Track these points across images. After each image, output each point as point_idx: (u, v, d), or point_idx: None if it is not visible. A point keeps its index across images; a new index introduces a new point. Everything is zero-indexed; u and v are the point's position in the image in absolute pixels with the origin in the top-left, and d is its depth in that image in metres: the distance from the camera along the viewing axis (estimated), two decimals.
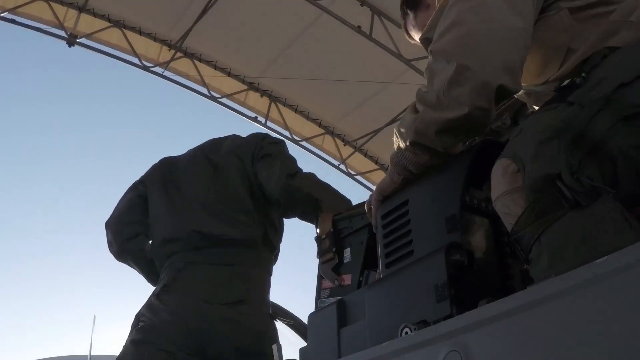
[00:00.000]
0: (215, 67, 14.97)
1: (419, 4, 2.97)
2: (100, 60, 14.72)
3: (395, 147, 2.40)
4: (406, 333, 1.98)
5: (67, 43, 13.90)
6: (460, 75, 2.07)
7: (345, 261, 2.89)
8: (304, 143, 16.16)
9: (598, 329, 1.33)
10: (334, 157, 16.47)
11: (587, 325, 1.35)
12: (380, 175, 14.25)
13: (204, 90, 15.27)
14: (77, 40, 13.96)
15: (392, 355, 1.84)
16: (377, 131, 15.31)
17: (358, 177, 16.63)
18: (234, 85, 15.31)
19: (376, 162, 16.40)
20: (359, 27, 12.98)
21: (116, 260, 4.38)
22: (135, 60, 14.60)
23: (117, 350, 3.85)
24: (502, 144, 2.29)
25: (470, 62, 2.06)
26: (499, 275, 2.33)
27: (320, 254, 2.96)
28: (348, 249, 2.90)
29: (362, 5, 12.91)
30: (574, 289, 1.40)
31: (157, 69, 14.87)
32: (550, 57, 2.25)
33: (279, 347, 2.90)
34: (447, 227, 2.12)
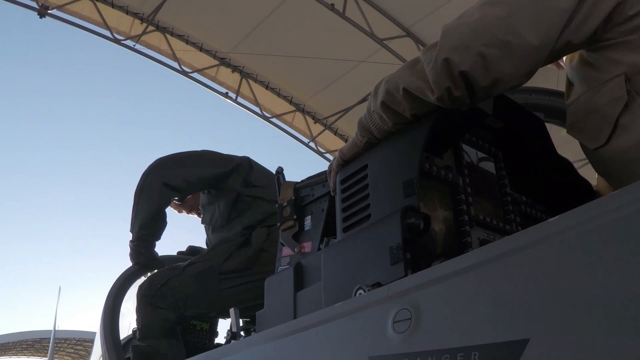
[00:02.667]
0: (187, 42, 14.90)
1: None
2: (72, 33, 14.61)
3: (366, 108, 2.39)
4: (360, 294, 1.99)
5: (38, 14, 13.74)
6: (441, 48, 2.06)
7: (305, 229, 2.91)
8: (274, 120, 16.16)
9: (545, 286, 1.34)
10: (304, 135, 16.49)
11: (534, 283, 1.37)
12: None
13: (175, 65, 15.21)
14: (48, 11, 13.81)
15: (345, 315, 1.85)
16: (347, 109, 15.34)
17: (327, 155, 16.65)
18: (205, 60, 15.25)
19: (345, 141, 16.33)
20: (333, 5, 12.95)
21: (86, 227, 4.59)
22: (107, 33, 14.48)
23: (84, 325, 3.91)
24: (462, 112, 2.30)
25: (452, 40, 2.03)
26: (457, 243, 2.35)
27: (281, 221, 2.97)
28: (309, 217, 2.92)
29: None
30: (523, 248, 1.42)
31: (129, 42, 14.76)
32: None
33: (237, 311, 2.90)
34: (405, 191, 2.13)
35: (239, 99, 15.72)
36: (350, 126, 15.98)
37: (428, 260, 2.06)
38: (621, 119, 2.01)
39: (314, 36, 13.82)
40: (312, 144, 16.53)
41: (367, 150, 2.40)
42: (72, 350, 46.67)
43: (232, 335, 2.86)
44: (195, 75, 15.47)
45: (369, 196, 2.28)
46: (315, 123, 16.31)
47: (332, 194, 2.55)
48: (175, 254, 5.15)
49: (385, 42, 13.39)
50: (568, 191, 2.72)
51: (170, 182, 4.52)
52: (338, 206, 2.41)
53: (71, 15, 14.22)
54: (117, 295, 4.56)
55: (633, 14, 1.98)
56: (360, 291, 2.00)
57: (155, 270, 4.63)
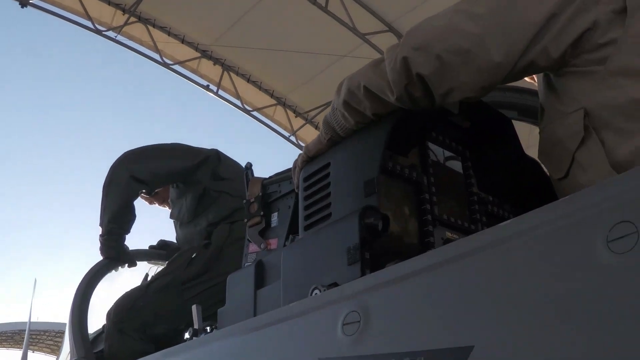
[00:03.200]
0: (169, 34, 14.85)
1: None
2: (53, 23, 14.54)
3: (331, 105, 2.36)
4: (316, 294, 1.97)
5: (19, 3, 13.65)
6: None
7: (272, 225, 2.89)
8: (255, 113, 16.14)
9: (491, 293, 1.32)
10: (285, 129, 16.48)
11: (481, 289, 1.35)
12: None
13: (157, 57, 15.17)
14: (30, 1, 13.72)
15: (298, 315, 1.83)
16: (328, 104, 15.21)
17: None
18: (187, 52, 15.21)
19: None
20: None
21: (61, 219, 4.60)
22: (89, 24, 14.41)
23: (59, 317, 3.91)
24: (427, 111, 2.28)
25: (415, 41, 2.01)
26: (419, 242, 2.33)
27: (248, 217, 2.95)
28: (276, 214, 2.90)
29: None
30: (471, 253, 1.40)
31: (110, 34, 14.71)
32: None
33: (199, 308, 2.87)
34: (365, 190, 2.11)
35: (220, 92, 15.71)
36: None
37: (386, 260, 2.05)
38: (577, 154, 1.95)
39: (296, 30, 13.81)
40: (292, 138, 16.53)
41: (330, 148, 2.38)
42: (51, 342, 46.49)
43: (194, 332, 2.83)
44: (176, 67, 15.44)
45: (330, 195, 2.26)
46: (296, 117, 16.31)
47: (295, 190, 2.52)
48: (147, 247, 5.12)
49: (367, 37, 13.40)
50: (535, 191, 2.71)
51: (137, 175, 4.50)
52: (300, 204, 2.39)
53: (53, 5, 14.13)
54: (86, 289, 4.52)
55: (603, 43, 1.89)
56: (317, 291, 1.98)
57: (125, 265, 4.63)
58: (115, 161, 4.61)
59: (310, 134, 16.57)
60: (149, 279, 4.76)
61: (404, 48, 1.99)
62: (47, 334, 44.65)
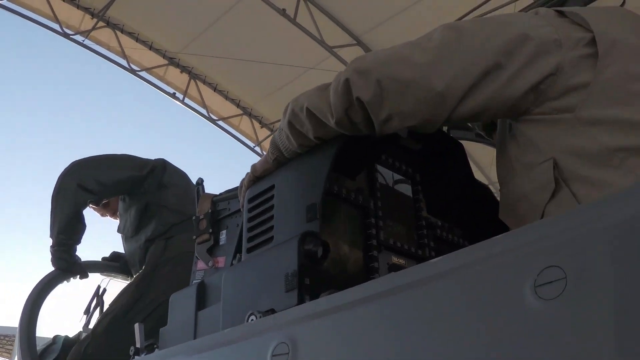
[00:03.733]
0: (137, 40, 14.76)
1: None
2: (20, 24, 14.41)
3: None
4: (252, 320, 1.94)
5: None
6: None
7: (220, 243, 2.85)
8: (220, 122, 16.09)
9: (424, 329, 1.29)
10: (250, 139, 16.43)
11: (414, 325, 1.32)
12: None
13: (124, 62, 15.07)
14: None
15: (229, 342, 1.79)
16: None
17: None
18: (154, 59, 15.13)
19: None
20: (284, 10, 12.90)
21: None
22: (57, 27, 14.29)
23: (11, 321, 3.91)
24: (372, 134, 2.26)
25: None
26: (363, 268, 2.30)
27: (196, 234, 2.91)
28: (224, 231, 2.86)
29: None
30: (403, 288, 1.37)
31: (78, 37, 14.59)
32: None
33: (141, 327, 2.83)
34: (307, 215, 2.08)
35: (187, 100, 15.63)
36: None
37: (327, 287, 2.02)
38: (548, 208, 1.80)
39: (264, 40, 13.78)
40: (257, 149, 16.48)
41: (277, 169, 2.34)
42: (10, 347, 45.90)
43: (136, 351, 2.78)
44: (143, 74, 15.34)
45: (274, 218, 2.23)
46: (261, 127, 16.26)
47: (241, 210, 2.49)
48: (100, 259, 5.06)
49: (335, 49, 13.38)
50: (485, 217, 2.69)
51: (84, 184, 4.45)
52: (244, 225, 2.36)
53: (21, 7, 14.00)
54: (35, 302, 4.45)
55: (570, 88, 1.77)
56: (252, 317, 1.94)
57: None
58: (63, 171, 4.56)
59: None
60: (100, 290, 4.71)
61: (348, 71, 1.94)
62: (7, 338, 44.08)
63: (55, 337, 4.44)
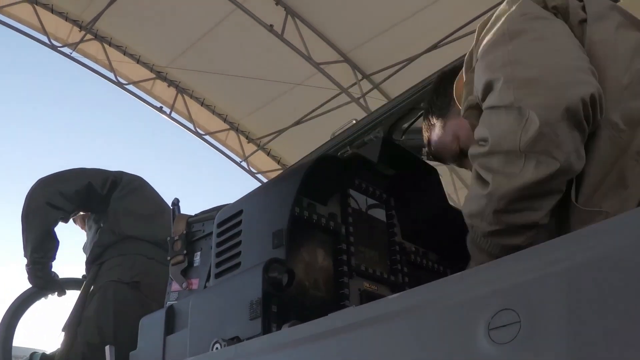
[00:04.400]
0: (125, 53, 14.69)
1: (449, 111, 2.37)
2: (8, 36, 14.35)
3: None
4: (217, 349, 1.91)
5: None
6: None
7: (195, 265, 2.82)
8: (207, 137, 16.01)
9: None
10: (237, 154, 16.37)
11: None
12: None
13: (111, 76, 14.99)
14: None
15: None
16: (281, 131, 15.27)
17: (259, 176, 16.54)
18: (141, 72, 15.07)
19: (278, 162, 16.37)
20: (272, 26, 12.88)
21: None
22: (44, 39, 14.23)
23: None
24: (342, 159, 2.24)
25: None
26: (333, 294, 2.28)
27: (171, 255, 2.88)
28: (198, 253, 2.83)
29: (276, 4, 12.82)
30: (360, 324, 1.35)
31: (66, 50, 14.52)
32: None
33: (112, 349, 2.79)
34: (274, 242, 2.06)
35: (173, 114, 15.56)
36: (283, 148, 15.98)
37: (292, 315, 2.00)
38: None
39: (252, 56, 13.76)
40: (244, 164, 16.42)
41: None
42: None
43: None
44: (130, 87, 15.29)
45: (241, 243, 2.21)
46: (248, 143, 16.20)
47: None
48: (80, 277, 5.01)
49: (322, 66, 13.37)
50: (460, 242, 2.67)
51: (52, 201, 4.41)
52: (213, 250, 2.33)
53: (8, 18, 13.96)
54: (12, 318, 4.41)
55: None
56: (217, 345, 1.92)
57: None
58: (30, 189, 4.52)
59: (262, 161, 16.51)
60: None
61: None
62: None
63: (32, 355, 4.39)
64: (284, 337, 1.54)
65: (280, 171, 15.83)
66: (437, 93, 2.40)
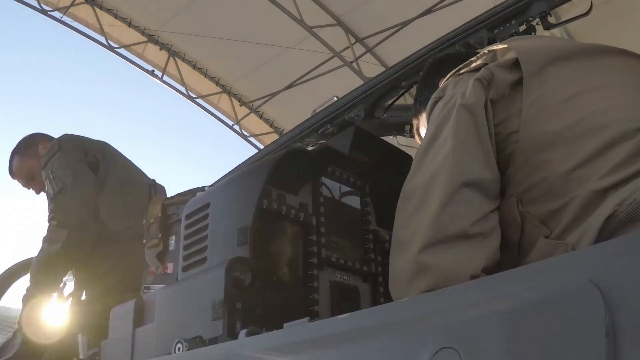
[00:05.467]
0: (116, 16, 14.56)
1: None
2: None
3: None
4: (179, 349, 1.88)
5: None
6: None
7: (170, 249, 2.79)
8: (199, 100, 15.94)
9: None
10: (229, 117, 16.32)
11: None
12: (273, 139, 14.35)
13: (102, 39, 14.87)
14: None
15: None
16: (274, 94, 15.22)
17: (251, 139, 16.51)
18: (133, 36, 14.95)
19: (271, 125, 16.33)
20: None
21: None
22: (34, 3, 14.09)
23: None
24: (312, 152, 2.20)
25: None
26: (302, 287, 2.25)
27: (146, 239, 2.85)
28: (173, 237, 2.79)
29: None
30: (312, 342, 1.32)
31: (56, 14, 14.39)
32: None
33: (84, 338, 2.78)
34: (239, 238, 2.02)
35: (165, 78, 15.49)
36: (275, 111, 15.94)
37: (256, 316, 1.98)
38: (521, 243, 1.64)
39: (244, 19, 13.63)
40: (236, 127, 16.37)
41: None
42: None
43: None
44: (121, 51, 15.18)
45: (208, 238, 2.17)
46: (240, 106, 16.14)
47: None
48: None
49: (314, 30, 13.27)
50: None
51: None
52: (181, 242, 2.30)
53: None
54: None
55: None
56: (179, 345, 1.89)
57: None
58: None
59: (254, 124, 16.47)
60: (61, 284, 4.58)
61: None
62: None
63: (16, 332, 4.36)
64: (240, 346, 1.51)
65: (273, 134, 15.81)
66: (425, 84, 2.35)
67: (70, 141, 4.22)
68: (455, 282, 1.38)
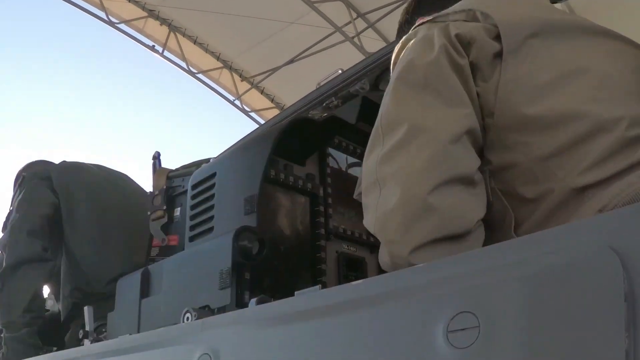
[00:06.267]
0: None
1: None
2: None
3: None
4: (187, 319, 1.87)
5: None
6: None
7: (175, 221, 2.78)
8: (200, 76, 15.88)
9: (342, 354, 1.23)
10: (230, 92, 16.25)
11: (332, 348, 1.26)
12: (274, 114, 14.30)
13: (102, 15, 14.78)
14: None
15: (158, 346, 1.72)
16: (275, 69, 15.15)
17: (253, 114, 16.47)
18: (133, 11, 14.83)
19: (272, 101, 16.27)
20: None
21: None
22: None
23: None
24: (322, 122, 2.19)
25: None
26: (310, 257, 2.25)
27: (150, 210, 2.84)
28: (179, 209, 2.79)
29: None
30: (324, 310, 1.30)
31: None
32: None
33: (90, 310, 2.77)
34: (245, 208, 2.01)
35: (166, 53, 15.40)
36: (276, 86, 15.88)
37: (262, 283, 1.98)
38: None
39: None
40: (237, 102, 16.32)
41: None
42: None
43: (85, 334, 2.73)
44: (122, 26, 15.09)
45: (214, 207, 2.16)
46: (242, 81, 16.07)
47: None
48: None
49: (316, 4, 13.20)
50: None
51: None
52: (187, 212, 2.29)
53: None
54: None
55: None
56: (188, 315, 1.88)
57: None
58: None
59: (255, 99, 16.42)
60: None
61: None
62: None
63: None
64: (250, 314, 1.50)
65: (274, 109, 15.78)
66: (404, 19, 2.15)
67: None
68: (459, 227, 1.39)
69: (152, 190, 2.89)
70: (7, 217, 3.77)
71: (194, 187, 2.29)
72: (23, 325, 3.38)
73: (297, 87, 11.18)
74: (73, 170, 3.87)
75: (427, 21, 1.69)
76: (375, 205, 1.48)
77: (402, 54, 1.69)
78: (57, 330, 3.65)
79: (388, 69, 3.44)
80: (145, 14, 14.77)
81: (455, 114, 1.52)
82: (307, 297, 1.40)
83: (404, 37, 1.73)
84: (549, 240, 0.99)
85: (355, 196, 1.76)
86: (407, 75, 1.59)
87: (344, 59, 10.34)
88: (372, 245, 2.49)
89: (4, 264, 3.49)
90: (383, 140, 1.54)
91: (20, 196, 3.73)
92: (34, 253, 3.52)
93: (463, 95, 1.55)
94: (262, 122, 15.78)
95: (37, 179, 3.78)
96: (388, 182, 1.47)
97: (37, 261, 3.51)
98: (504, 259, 1.02)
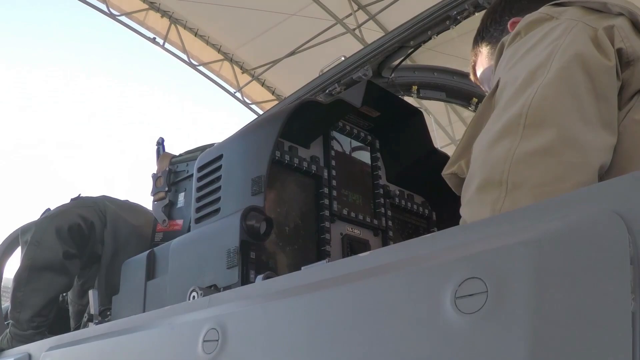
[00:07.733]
0: None
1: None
2: None
3: None
4: (194, 297, 1.89)
5: None
6: None
7: (178, 205, 2.80)
8: (201, 68, 15.88)
9: (350, 323, 1.25)
10: (231, 85, 16.27)
11: (340, 318, 1.27)
12: None
13: (103, 7, 14.78)
14: None
15: (165, 323, 1.73)
16: (276, 62, 15.16)
17: (253, 106, 16.47)
18: (134, 3, 14.84)
19: (273, 93, 16.28)
20: None
21: None
22: None
23: None
24: (327, 105, 2.21)
25: None
26: (315, 239, 2.27)
27: (153, 192, 2.86)
28: (182, 194, 2.81)
29: None
30: (332, 281, 1.32)
31: None
32: None
33: (95, 293, 2.79)
34: (253, 188, 2.02)
35: (167, 45, 15.41)
36: (277, 78, 15.89)
37: (267, 263, 1.99)
38: None
39: None
40: (238, 94, 16.33)
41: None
42: None
43: (89, 317, 2.76)
44: (123, 18, 15.09)
45: (221, 189, 2.17)
46: (242, 73, 16.09)
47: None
48: None
49: None
50: (444, 185, 2.65)
51: None
52: (193, 194, 2.30)
53: None
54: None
55: None
56: (194, 294, 1.90)
57: None
58: None
59: (256, 91, 16.43)
60: None
61: None
62: None
63: None
64: (257, 289, 1.52)
65: (275, 101, 15.76)
66: (491, 19, 2.05)
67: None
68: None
69: (155, 173, 2.91)
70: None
71: (200, 169, 2.30)
72: (30, 327, 3.37)
73: (298, 79, 11.19)
74: (128, 210, 3.80)
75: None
76: (492, 209, 1.29)
77: (547, 37, 1.45)
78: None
79: (390, 56, 3.45)
80: (146, 6, 14.82)
81: (607, 141, 1.33)
82: (314, 270, 1.42)
83: (529, 17, 1.54)
84: (556, 206, 1.01)
85: (443, 174, 1.58)
86: (575, 72, 1.35)
87: (345, 51, 10.26)
88: (376, 228, 2.51)
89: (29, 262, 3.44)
90: (522, 132, 1.31)
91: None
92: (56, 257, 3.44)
93: (615, 120, 1.37)
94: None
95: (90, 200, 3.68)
96: (519, 191, 1.26)
97: (59, 270, 3.44)
98: (511, 226, 1.04)
